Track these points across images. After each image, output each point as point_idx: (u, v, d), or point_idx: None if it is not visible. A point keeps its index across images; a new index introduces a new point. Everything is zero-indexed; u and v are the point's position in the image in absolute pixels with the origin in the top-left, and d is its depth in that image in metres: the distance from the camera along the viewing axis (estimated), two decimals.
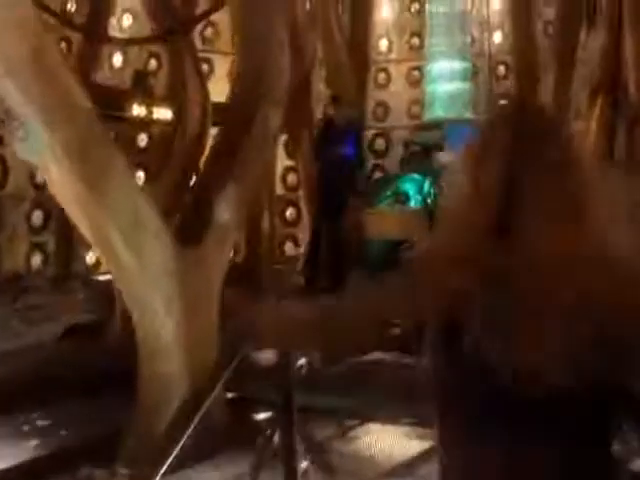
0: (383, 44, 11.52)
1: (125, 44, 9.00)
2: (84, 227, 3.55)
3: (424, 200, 7.86)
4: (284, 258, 11.02)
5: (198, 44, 10.16)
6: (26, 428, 5.36)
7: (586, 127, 9.83)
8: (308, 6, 9.85)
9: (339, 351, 1.57)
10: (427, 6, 9.58)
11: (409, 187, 8.13)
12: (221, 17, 10.21)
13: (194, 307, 3.92)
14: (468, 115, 9.14)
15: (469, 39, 10.02)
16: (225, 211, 4.13)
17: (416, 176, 8.18)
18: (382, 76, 11.51)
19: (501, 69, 11.06)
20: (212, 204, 4.11)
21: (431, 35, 9.27)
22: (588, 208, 1.26)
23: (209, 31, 10.71)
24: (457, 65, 9.08)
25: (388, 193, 8.30)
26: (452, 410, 1.32)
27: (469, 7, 10.39)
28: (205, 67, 10.39)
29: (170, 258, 3.76)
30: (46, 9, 8.19)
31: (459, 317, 1.25)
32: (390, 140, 11.36)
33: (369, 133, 11.42)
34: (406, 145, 9.98)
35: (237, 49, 4.70)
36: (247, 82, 4.43)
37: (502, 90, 10.95)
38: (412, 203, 8.03)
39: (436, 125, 8.84)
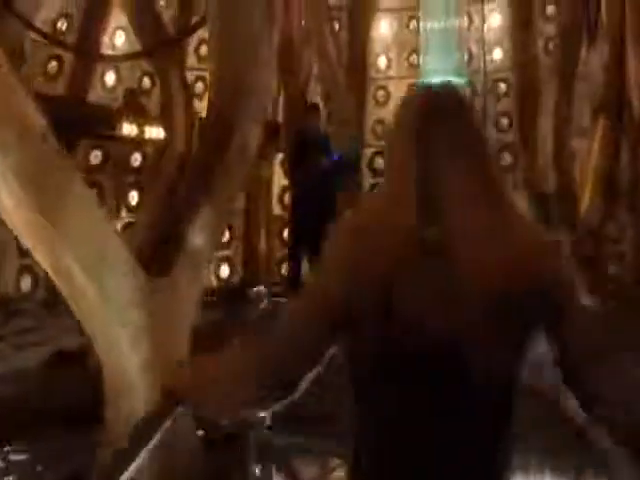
0: (382, 61, 11.34)
1: (110, 61, 8.85)
2: (40, 256, 3.31)
3: None
4: (281, 278, 10.81)
5: (193, 62, 10.00)
6: (1, 464, 5.13)
7: (589, 146, 9.63)
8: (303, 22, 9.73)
9: (296, 366, 1.37)
10: (420, 23, 9.40)
11: None
12: None
13: (163, 341, 3.67)
14: None
15: (466, 56, 9.83)
16: (199, 235, 3.89)
17: None
18: (381, 94, 11.32)
19: (502, 86, 10.85)
20: (184, 228, 3.87)
21: (425, 52, 9.09)
22: (497, 179, 1.37)
23: (204, 49, 10.55)
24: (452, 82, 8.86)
25: None
26: (380, 373, 1.30)
27: (466, 23, 10.23)
28: (200, 85, 10.25)
29: (137, 288, 3.52)
30: (33, 28, 8.09)
31: (391, 285, 1.26)
32: None
33: (368, 151, 11.22)
34: None
35: (213, 63, 4.48)
36: (223, 98, 4.21)
37: (502, 107, 10.77)
38: None
39: None
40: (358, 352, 1.32)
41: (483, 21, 10.16)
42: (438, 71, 8.83)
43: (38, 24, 9.51)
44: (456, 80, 8.80)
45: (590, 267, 9.28)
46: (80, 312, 3.52)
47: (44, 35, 7.34)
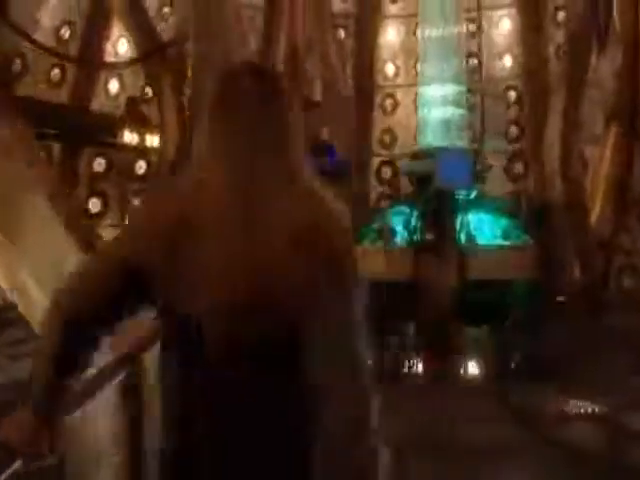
0: (389, 69, 11.15)
1: (105, 68, 8.79)
2: None
3: (410, 236, 7.35)
4: None
5: None
6: None
7: (600, 154, 9.36)
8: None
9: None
10: (418, 31, 9.18)
11: (396, 221, 7.64)
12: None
13: None
14: (462, 143, 8.64)
15: (475, 63, 9.64)
16: None
17: (404, 209, 7.70)
18: (389, 102, 11.13)
19: (511, 94, 10.62)
20: None
21: (423, 60, 8.87)
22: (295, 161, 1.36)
23: None
24: (450, 90, 8.62)
25: (373, 228, 7.79)
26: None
27: (475, 30, 10.07)
28: None
29: None
30: (32, 41, 8.06)
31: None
32: (397, 168, 10.93)
33: (376, 160, 11.04)
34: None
35: (191, 72, 4.34)
36: (198, 106, 4.06)
37: (512, 115, 10.55)
38: (398, 239, 7.52)
39: (427, 154, 8.37)
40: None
41: (479, 28, 9.92)
42: (436, 78, 8.59)
43: (41, 31, 9.53)
44: (455, 87, 8.61)
45: (602, 280, 9.00)
46: (38, 328, 3.37)
47: (39, 46, 7.26)
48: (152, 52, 6.36)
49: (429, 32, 8.54)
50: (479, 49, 9.97)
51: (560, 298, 7.90)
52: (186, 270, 1.29)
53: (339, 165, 7.82)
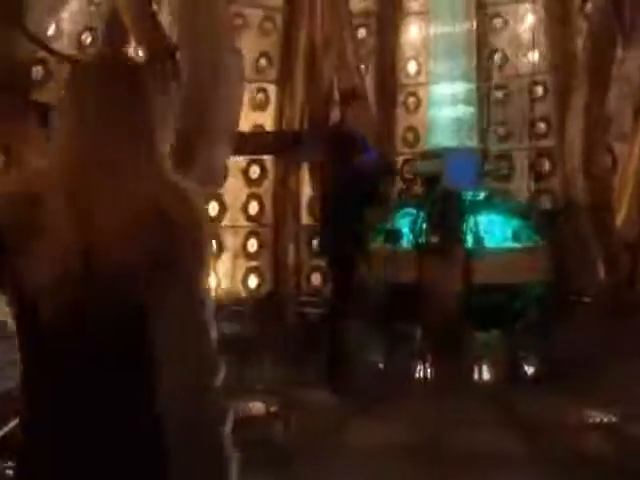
0: (412, 67, 11.00)
1: None
2: None
3: (416, 238, 7.19)
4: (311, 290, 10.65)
5: (251, 74, 9.86)
6: None
7: (629, 151, 9.05)
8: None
9: None
10: (429, 29, 9.01)
11: (403, 223, 7.50)
12: (273, 47, 10.29)
13: None
14: (471, 142, 8.44)
15: (497, 58, 9.46)
16: None
17: (412, 210, 7.55)
18: (412, 100, 10.98)
19: (538, 89, 10.36)
20: None
21: (434, 58, 8.72)
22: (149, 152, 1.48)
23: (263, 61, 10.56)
24: (460, 88, 8.43)
25: (382, 229, 7.65)
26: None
27: (500, 25, 9.86)
28: (261, 97, 10.24)
29: None
30: (49, 50, 8.18)
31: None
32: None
33: (399, 159, 10.91)
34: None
35: (182, 78, 4.34)
36: (190, 113, 4.06)
37: (539, 112, 10.29)
38: (404, 241, 7.37)
39: (435, 154, 8.21)
40: None
41: (481, 24, 9.66)
42: (445, 77, 8.43)
43: (63, 38, 9.66)
44: (465, 85, 8.43)
45: (628, 281, 8.72)
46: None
47: (55, 53, 7.39)
48: (160, 55, 6.40)
49: (440, 29, 8.40)
50: (481, 45, 9.73)
51: (582, 299, 7.66)
52: (33, 242, 1.32)
53: (381, 164, 7.35)
